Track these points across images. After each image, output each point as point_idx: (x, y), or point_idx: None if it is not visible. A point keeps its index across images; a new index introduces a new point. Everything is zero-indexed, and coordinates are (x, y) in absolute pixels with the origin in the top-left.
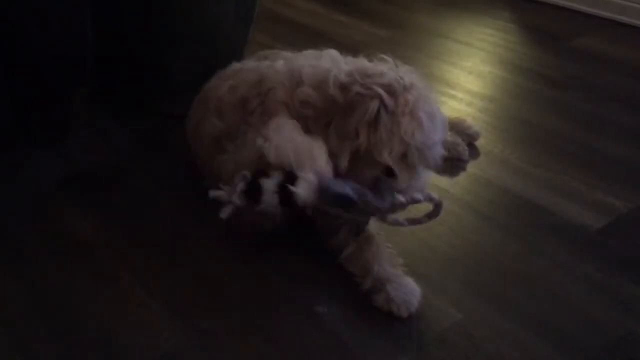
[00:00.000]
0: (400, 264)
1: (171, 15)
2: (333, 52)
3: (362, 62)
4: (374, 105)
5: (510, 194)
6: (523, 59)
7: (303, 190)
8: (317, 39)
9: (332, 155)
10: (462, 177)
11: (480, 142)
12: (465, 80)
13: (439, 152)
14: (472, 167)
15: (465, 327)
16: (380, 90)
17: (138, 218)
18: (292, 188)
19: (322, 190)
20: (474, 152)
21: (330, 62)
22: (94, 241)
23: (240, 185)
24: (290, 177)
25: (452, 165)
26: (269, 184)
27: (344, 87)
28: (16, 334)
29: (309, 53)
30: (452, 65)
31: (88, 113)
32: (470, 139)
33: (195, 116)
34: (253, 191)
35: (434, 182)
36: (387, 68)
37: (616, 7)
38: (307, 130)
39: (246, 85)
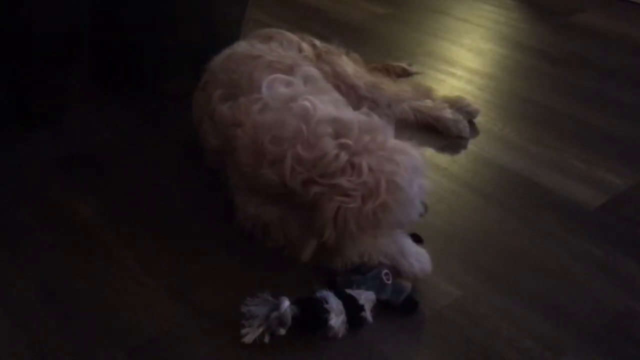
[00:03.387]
0: None
1: None
2: (306, 106)
3: (322, 144)
4: (333, 207)
5: (510, 171)
6: (523, 35)
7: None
8: (314, 17)
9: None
10: (461, 155)
11: (479, 120)
12: (464, 58)
13: (417, 207)
14: (471, 145)
15: (463, 305)
16: (338, 197)
17: (137, 198)
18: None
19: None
20: (473, 130)
21: (293, 129)
22: (94, 221)
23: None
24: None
25: (452, 142)
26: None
27: (303, 184)
28: (17, 313)
29: (283, 96)
30: (451, 42)
31: (87, 94)
32: (469, 116)
33: (198, 110)
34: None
35: (433, 160)
36: (345, 153)
37: None
38: (275, 201)
39: (224, 125)
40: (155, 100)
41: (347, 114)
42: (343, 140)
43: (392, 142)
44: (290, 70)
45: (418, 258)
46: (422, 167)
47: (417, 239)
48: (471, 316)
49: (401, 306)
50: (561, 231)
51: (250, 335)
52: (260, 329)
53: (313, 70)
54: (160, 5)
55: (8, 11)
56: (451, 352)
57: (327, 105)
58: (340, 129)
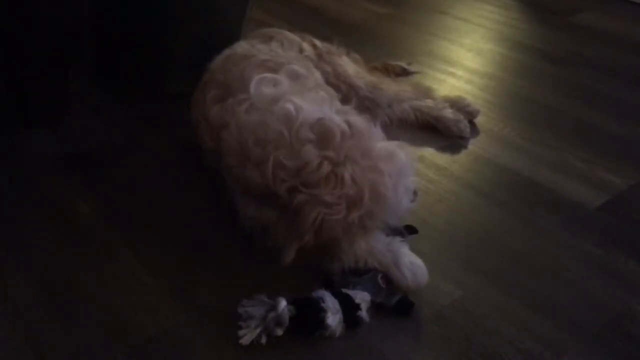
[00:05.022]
0: None
1: None
2: (288, 109)
3: (304, 152)
4: (315, 216)
5: (510, 171)
6: (523, 35)
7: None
8: (315, 16)
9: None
10: (461, 155)
11: (480, 120)
12: (464, 58)
13: (404, 207)
14: (471, 145)
15: (463, 304)
16: (321, 208)
17: (138, 197)
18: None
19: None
20: (473, 130)
21: (276, 132)
22: (94, 220)
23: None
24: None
25: (452, 142)
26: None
27: (287, 189)
28: (17, 312)
29: (268, 96)
30: (452, 42)
31: (88, 93)
32: (469, 116)
33: (196, 110)
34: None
35: (433, 160)
36: (328, 164)
37: None
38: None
39: (215, 127)
40: (155, 100)
41: (332, 117)
42: (325, 153)
43: (378, 146)
44: (280, 67)
45: (412, 269)
46: (408, 169)
47: (411, 230)
48: (471, 316)
49: (395, 308)
50: (561, 231)
51: (247, 336)
52: (258, 330)
53: (299, 68)
54: (161, 5)
55: (8, 11)
56: (451, 351)
57: (311, 105)
58: (322, 135)
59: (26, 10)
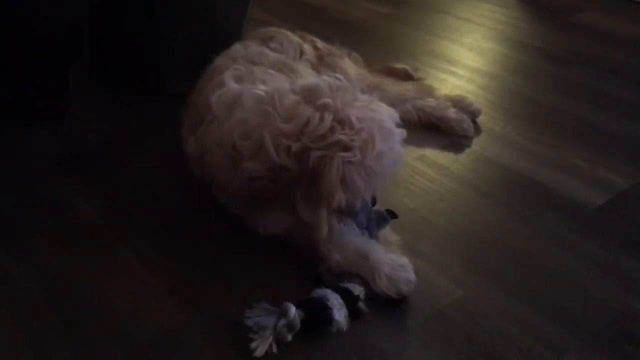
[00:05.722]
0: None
1: None
2: (257, 92)
3: (300, 111)
4: (339, 164)
5: (511, 171)
6: (524, 34)
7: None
8: (315, 16)
9: (308, 226)
10: (462, 154)
11: (481, 119)
12: (465, 57)
13: (400, 156)
14: (473, 144)
15: (465, 304)
16: (339, 153)
17: (138, 197)
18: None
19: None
20: (474, 129)
21: (259, 115)
22: (94, 220)
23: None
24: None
25: (453, 142)
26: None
27: (297, 155)
28: (17, 311)
29: (227, 101)
30: (453, 41)
31: (88, 93)
32: (471, 116)
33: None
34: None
35: (434, 160)
36: (328, 114)
37: None
38: (264, 199)
39: (195, 159)
40: (155, 100)
41: (308, 80)
42: (321, 102)
43: (362, 97)
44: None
45: (393, 283)
46: (394, 113)
47: (392, 215)
48: (472, 315)
49: (385, 301)
50: (563, 230)
51: (261, 347)
52: (270, 339)
53: (242, 70)
54: (161, 5)
55: (8, 11)
56: (452, 351)
57: (276, 83)
58: (310, 93)
59: (26, 10)
